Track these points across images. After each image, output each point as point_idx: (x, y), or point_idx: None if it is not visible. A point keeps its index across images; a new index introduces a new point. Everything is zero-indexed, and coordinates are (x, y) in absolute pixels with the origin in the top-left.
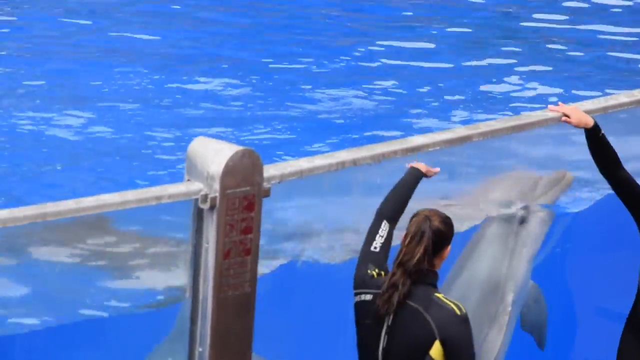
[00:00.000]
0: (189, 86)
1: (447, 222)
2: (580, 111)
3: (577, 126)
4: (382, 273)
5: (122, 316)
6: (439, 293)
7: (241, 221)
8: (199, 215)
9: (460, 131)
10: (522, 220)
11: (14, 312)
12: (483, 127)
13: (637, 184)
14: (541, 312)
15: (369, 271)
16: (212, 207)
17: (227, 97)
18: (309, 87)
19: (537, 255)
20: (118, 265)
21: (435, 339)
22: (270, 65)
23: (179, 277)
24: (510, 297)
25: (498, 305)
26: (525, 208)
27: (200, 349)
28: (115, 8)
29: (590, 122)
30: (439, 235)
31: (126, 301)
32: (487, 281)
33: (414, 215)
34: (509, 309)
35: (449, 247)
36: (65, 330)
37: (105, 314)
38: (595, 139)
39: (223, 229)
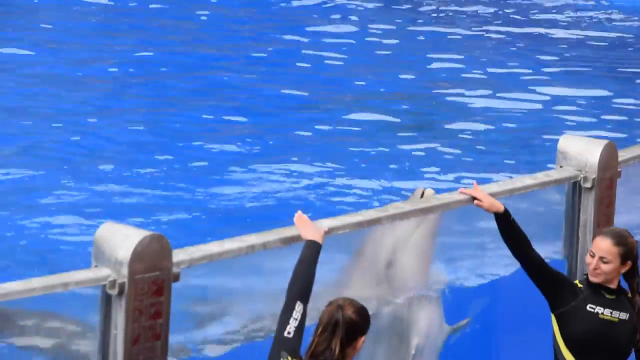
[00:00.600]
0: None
1: (361, 312)
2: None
3: (487, 210)
4: (295, 359)
5: None
6: None
7: (150, 306)
8: (107, 301)
9: (370, 214)
10: (389, 264)
11: None
12: (391, 209)
13: (546, 264)
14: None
15: (281, 358)
16: (120, 293)
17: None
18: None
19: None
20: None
21: None
22: None
23: None
24: (414, 341)
25: (407, 350)
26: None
27: None
28: None
29: (501, 207)
30: (352, 326)
31: None
32: (390, 337)
33: (328, 304)
34: (413, 351)
35: (363, 338)
36: None
37: None
38: (506, 223)
39: (132, 314)
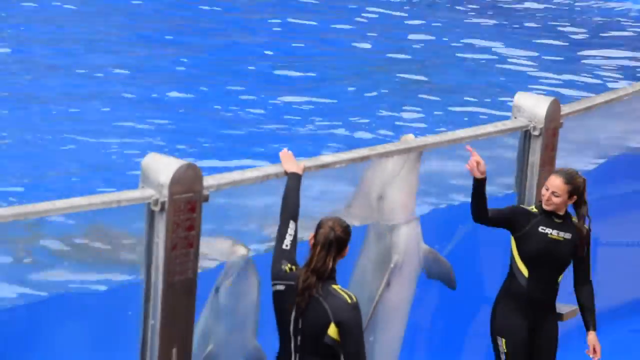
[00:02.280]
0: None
1: (346, 230)
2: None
3: (476, 173)
4: (294, 268)
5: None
6: (336, 285)
7: (185, 221)
8: (151, 216)
9: (362, 151)
10: (380, 198)
11: None
12: (380, 149)
13: (499, 211)
14: (443, 265)
15: (282, 267)
16: (161, 210)
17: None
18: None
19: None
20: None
21: (330, 322)
22: None
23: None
24: (394, 257)
25: (386, 266)
26: (390, 188)
27: (152, 322)
28: None
29: (485, 174)
30: (341, 243)
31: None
32: (376, 253)
33: (320, 227)
34: (393, 264)
35: (347, 248)
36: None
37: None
38: (482, 187)
39: (171, 227)
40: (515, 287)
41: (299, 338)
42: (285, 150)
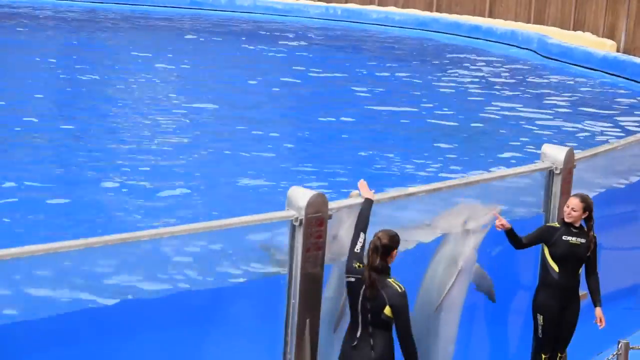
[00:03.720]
0: None
1: (391, 236)
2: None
3: (503, 228)
4: (361, 265)
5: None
6: (391, 278)
7: (315, 232)
8: (293, 228)
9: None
10: (465, 222)
11: None
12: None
13: (532, 236)
14: (487, 282)
15: (353, 264)
16: (300, 224)
17: None
18: None
19: (482, 248)
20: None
21: (386, 304)
22: None
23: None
24: (460, 263)
25: (453, 268)
26: (468, 216)
27: (293, 301)
28: None
29: (509, 226)
30: (386, 247)
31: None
32: (449, 257)
33: (374, 236)
34: (458, 269)
35: (396, 250)
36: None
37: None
38: (512, 234)
39: (306, 236)
40: (550, 279)
41: (368, 315)
42: (362, 180)
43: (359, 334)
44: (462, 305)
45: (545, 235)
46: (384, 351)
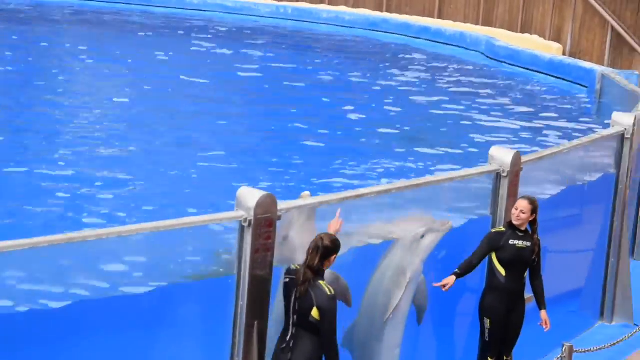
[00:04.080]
0: None
1: (333, 240)
2: None
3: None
4: (298, 266)
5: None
6: (322, 281)
7: (265, 233)
8: (242, 229)
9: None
10: (422, 236)
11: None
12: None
13: (480, 250)
14: (423, 298)
15: (291, 265)
16: (249, 225)
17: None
18: None
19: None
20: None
21: (314, 306)
22: None
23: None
24: (409, 274)
25: (402, 278)
26: (426, 230)
27: (242, 303)
28: None
29: (453, 277)
30: (327, 249)
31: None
32: (398, 266)
33: (316, 236)
34: (407, 281)
35: (335, 256)
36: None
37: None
38: (464, 271)
39: (255, 237)
40: (497, 283)
41: (295, 317)
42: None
43: (289, 336)
44: (408, 311)
45: (492, 244)
46: (311, 355)
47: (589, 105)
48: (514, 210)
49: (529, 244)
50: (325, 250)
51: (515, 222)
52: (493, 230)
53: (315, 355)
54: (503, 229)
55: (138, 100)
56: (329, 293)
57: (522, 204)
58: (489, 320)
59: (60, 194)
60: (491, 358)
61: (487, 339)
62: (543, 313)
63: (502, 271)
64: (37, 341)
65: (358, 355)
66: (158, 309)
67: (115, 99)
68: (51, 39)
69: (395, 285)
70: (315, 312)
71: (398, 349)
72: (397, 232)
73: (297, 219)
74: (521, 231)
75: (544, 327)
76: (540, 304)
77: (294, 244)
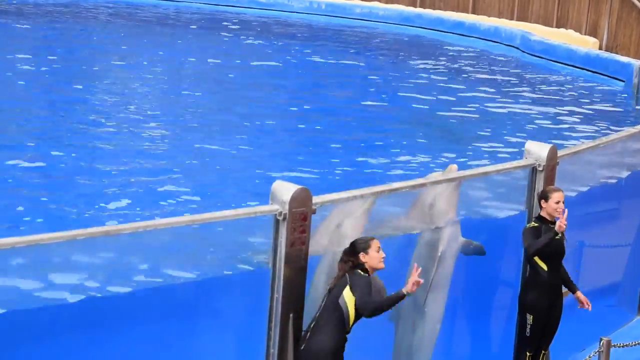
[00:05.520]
0: None
1: (353, 243)
2: None
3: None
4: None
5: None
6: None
7: (299, 227)
8: (277, 223)
9: (419, 181)
10: (430, 206)
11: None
12: (432, 178)
13: (535, 240)
14: (476, 246)
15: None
16: (284, 219)
17: None
18: None
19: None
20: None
21: (347, 284)
22: None
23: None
24: (440, 248)
25: (434, 253)
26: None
27: (277, 295)
28: None
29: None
30: (346, 254)
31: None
32: (427, 242)
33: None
34: (439, 253)
35: (363, 253)
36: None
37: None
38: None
39: (290, 230)
40: (539, 279)
41: (325, 299)
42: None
43: (313, 320)
44: (448, 287)
45: (538, 237)
46: (326, 343)
47: (626, 99)
48: (554, 204)
49: (559, 234)
50: (345, 254)
51: (558, 216)
52: (528, 226)
53: (331, 342)
54: (536, 224)
55: (200, 92)
56: (362, 274)
57: (562, 196)
58: (531, 317)
59: (110, 190)
60: (529, 353)
61: (527, 335)
62: (579, 294)
63: (544, 266)
64: (95, 326)
65: (401, 329)
66: (193, 301)
67: (149, 92)
68: (94, 34)
69: (430, 260)
70: (346, 292)
71: (439, 324)
72: (415, 216)
73: (355, 209)
74: (552, 223)
75: (586, 306)
76: (573, 286)
77: (345, 233)
